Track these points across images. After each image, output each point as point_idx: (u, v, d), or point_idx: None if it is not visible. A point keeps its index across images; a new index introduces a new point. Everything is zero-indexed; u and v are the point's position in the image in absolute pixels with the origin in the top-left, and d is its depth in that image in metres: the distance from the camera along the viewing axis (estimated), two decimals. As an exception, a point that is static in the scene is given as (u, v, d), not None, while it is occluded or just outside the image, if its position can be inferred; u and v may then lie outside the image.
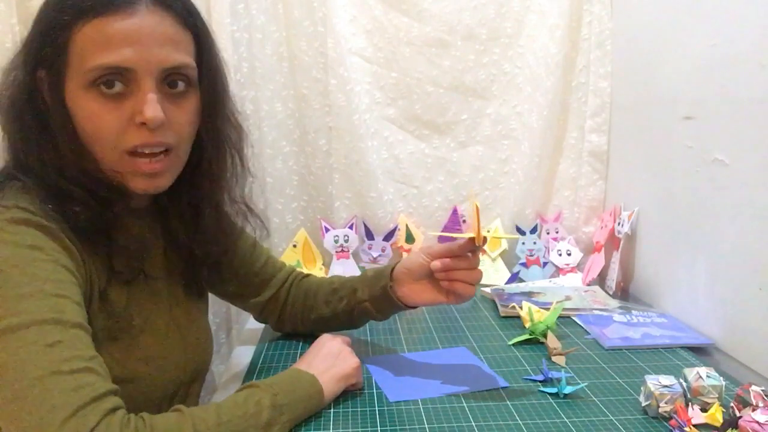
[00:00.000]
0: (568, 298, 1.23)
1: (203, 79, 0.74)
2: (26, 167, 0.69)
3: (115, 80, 0.66)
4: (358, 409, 0.81)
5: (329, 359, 0.82)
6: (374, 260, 1.45)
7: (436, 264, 0.84)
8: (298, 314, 1.01)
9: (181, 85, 0.71)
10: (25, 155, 0.69)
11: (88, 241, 0.68)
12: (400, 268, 0.90)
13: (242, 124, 0.86)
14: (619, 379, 0.89)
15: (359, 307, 0.94)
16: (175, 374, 0.80)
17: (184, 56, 0.70)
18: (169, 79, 0.69)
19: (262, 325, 1.10)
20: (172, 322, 0.81)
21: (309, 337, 1.05)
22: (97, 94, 0.66)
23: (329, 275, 1.41)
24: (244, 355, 1.02)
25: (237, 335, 1.37)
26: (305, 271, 1.41)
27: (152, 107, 0.67)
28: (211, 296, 0.98)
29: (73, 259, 0.65)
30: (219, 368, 1.27)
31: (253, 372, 0.93)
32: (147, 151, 0.69)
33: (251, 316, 1.07)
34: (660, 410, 0.76)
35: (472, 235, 0.80)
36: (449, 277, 0.84)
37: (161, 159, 0.70)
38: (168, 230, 0.83)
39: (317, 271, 1.43)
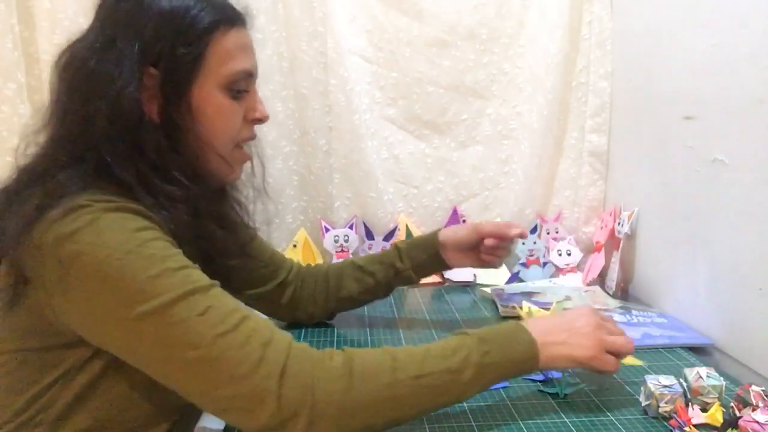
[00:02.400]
0: (568, 298, 1.23)
1: None
2: (115, 169, 0.66)
3: (244, 82, 0.75)
4: (358, 409, 0.81)
5: (563, 331, 0.76)
6: (374, 260, 1.45)
7: (491, 242, 1.02)
8: (317, 297, 1.05)
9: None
10: (125, 158, 0.67)
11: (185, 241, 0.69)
12: (448, 237, 1.04)
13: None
14: (619, 379, 0.89)
15: (400, 276, 1.05)
16: None
17: None
18: None
19: None
20: None
21: (308, 332, 1.06)
22: (228, 93, 0.73)
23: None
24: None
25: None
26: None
27: (264, 107, 0.80)
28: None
29: (169, 233, 0.67)
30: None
31: None
32: (245, 145, 0.80)
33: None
34: (660, 410, 0.77)
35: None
36: (492, 253, 1.05)
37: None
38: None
39: (317, 271, 1.43)
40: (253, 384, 0.60)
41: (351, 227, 1.44)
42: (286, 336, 0.65)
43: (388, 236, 1.46)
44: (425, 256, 1.05)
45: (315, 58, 1.37)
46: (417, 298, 1.29)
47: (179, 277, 0.62)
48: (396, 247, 1.07)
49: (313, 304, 1.06)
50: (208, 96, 0.72)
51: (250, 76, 0.76)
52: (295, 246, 1.43)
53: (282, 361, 0.61)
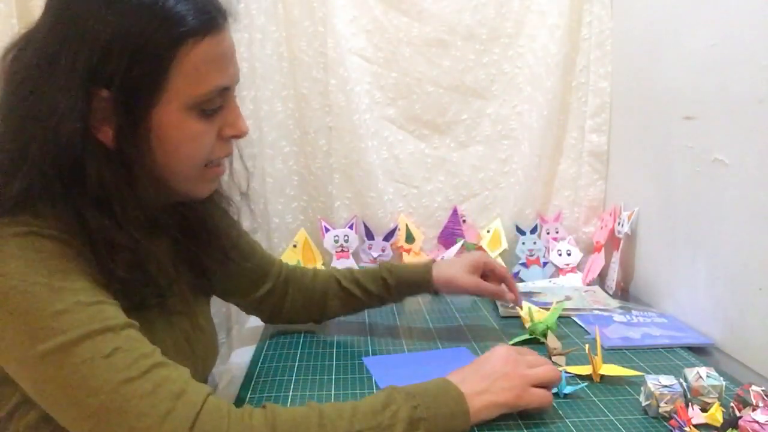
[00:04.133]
0: (568, 298, 1.23)
1: None
2: (53, 204, 0.60)
3: (218, 99, 0.66)
4: (358, 409, 0.81)
5: (483, 379, 0.73)
6: (374, 260, 1.45)
7: (511, 296, 1.05)
8: (300, 308, 1.03)
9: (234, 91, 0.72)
10: (70, 194, 0.60)
11: (117, 282, 0.63)
12: (443, 280, 1.01)
13: None
14: (619, 379, 0.88)
15: (384, 303, 1.04)
16: None
17: None
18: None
19: (262, 325, 1.10)
20: (181, 335, 0.77)
21: (308, 336, 1.06)
22: (199, 113, 0.64)
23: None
24: (243, 356, 1.02)
25: (237, 335, 1.37)
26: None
27: (245, 121, 0.70)
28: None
29: (90, 265, 0.60)
30: (219, 368, 1.27)
31: (253, 372, 0.92)
32: (220, 161, 0.71)
33: (250, 316, 1.07)
34: (660, 410, 0.76)
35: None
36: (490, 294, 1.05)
37: (224, 164, 0.74)
38: (183, 235, 0.79)
39: (317, 271, 1.43)
40: None
41: (351, 227, 1.44)
42: (203, 389, 0.58)
43: (388, 236, 1.46)
44: (416, 292, 1.05)
45: (315, 58, 1.37)
46: (417, 297, 1.28)
47: (89, 312, 0.56)
48: (385, 282, 1.01)
49: (295, 314, 1.04)
50: (173, 119, 0.62)
51: (225, 90, 0.66)
52: (295, 246, 1.43)
53: (192, 416, 0.55)
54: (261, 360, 0.97)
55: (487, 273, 1.04)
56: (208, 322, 0.87)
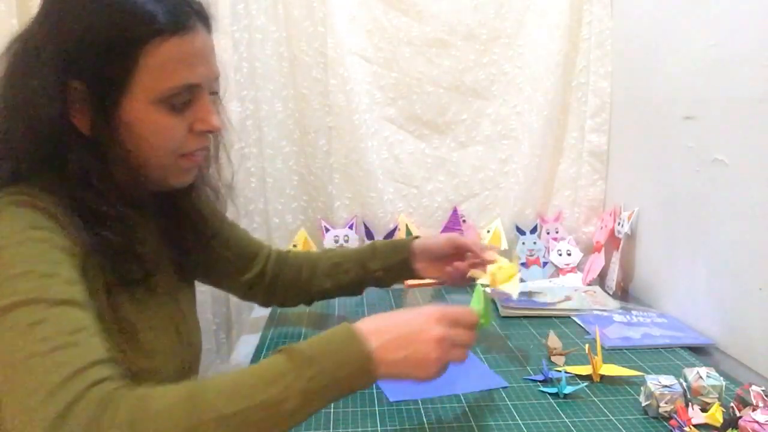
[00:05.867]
0: (568, 298, 1.23)
1: None
2: (49, 187, 0.66)
3: (185, 95, 0.69)
4: (358, 409, 0.81)
5: (402, 347, 0.61)
6: (374, 260, 1.45)
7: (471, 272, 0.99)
8: (291, 288, 1.04)
9: (216, 90, 0.76)
10: (54, 175, 0.66)
11: (105, 253, 0.67)
12: (421, 247, 1.02)
13: (228, 123, 0.88)
14: (619, 379, 0.88)
15: (371, 276, 1.03)
16: (174, 367, 0.79)
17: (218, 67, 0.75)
18: (211, 87, 0.74)
19: (263, 324, 1.10)
20: (167, 315, 0.80)
21: (311, 326, 1.06)
22: (166, 108, 0.68)
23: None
24: (243, 354, 1.02)
25: (237, 335, 1.37)
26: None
27: (216, 117, 0.73)
28: (211, 297, 0.98)
29: (70, 240, 0.63)
30: (219, 368, 1.27)
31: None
32: (197, 153, 0.74)
33: (250, 314, 1.08)
34: (660, 410, 0.77)
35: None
36: (462, 272, 1.00)
37: (202, 155, 0.77)
38: (169, 221, 0.83)
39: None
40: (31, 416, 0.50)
41: (351, 227, 1.44)
42: (105, 373, 0.54)
43: (388, 236, 1.46)
44: (397, 260, 1.04)
45: (315, 58, 1.37)
46: (417, 297, 1.29)
47: (38, 282, 0.57)
48: (373, 245, 1.06)
49: (284, 294, 1.06)
50: (140, 112, 0.67)
51: (194, 88, 0.70)
52: (295, 246, 1.43)
53: (71, 397, 0.51)
54: (264, 352, 0.96)
55: (464, 253, 1.03)
56: (191, 310, 0.89)
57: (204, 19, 0.71)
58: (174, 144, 0.71)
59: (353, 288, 1.07)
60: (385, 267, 1.03)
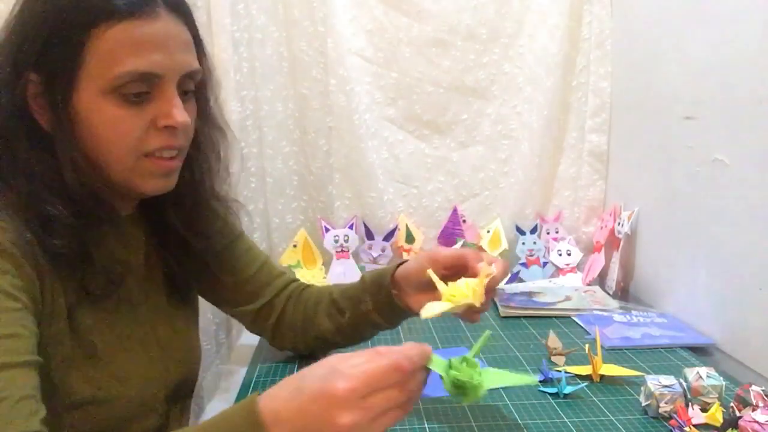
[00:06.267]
0: (568, 298, 1.23)
1: (199, 82, 0.74)
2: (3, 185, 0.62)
3: (138, 85, 0.64)
4: (358, 409, 0.80)
5: (308, 416, 0.51)
6: (374, 260, 1.45)
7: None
8: (299, 328, 0.91)
9: (191, 88, 0.71)
10: (7, 172, 0.63)
11: (63, 265, 0.63)
12: (403, 274, 0.83)
13: (227, 126, 0.82)
14: (619, 379, 0.88)
15: (366, 318, 0.86)
16: (156, 391, 0.74)
17: (196, 61, 0.70)
18: (182, 83, 0.69)
19: (255, 344, 1.05)
20: (152, 337, 0.76)
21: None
22: (118, 99, 0.64)
23: (329, 275, 1.41)
24: (243, 354, 1.02)
25: (237, 335, 1.37)
26: (305, 271, 1.42)
27: (181, 112, 0.67)
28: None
29: (22, 279, 0.59)
30: (219, 368, 1.27)
31: (248, 386, 0.90)
32: (166, 154, 0.68)
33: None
34: (660, 410, 0.76)
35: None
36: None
37: (176, 158, 0.70)
38: (159, 231, 0.79)
39: (317, 271, 1.43)
40: None
41: (351, 227, 1.44)
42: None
43: (388, 236, 1.46)
44: (382, 294, 0.84)
45: (315, 58, 1.37)
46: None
47: None
48: (362, 278, 0.88)
49: (294, 340, 0.93)
50: (92, 103, 0.63)
51: (151, 78, 0.64)
52: (295, 246, 1.43)
53: None
54: (256, 374, 0.94)
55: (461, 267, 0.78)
56: (189, 326, 0.85)
57: (173, 5, 0.66)
58: (131, 140, 0.65)
59: (352, 332, 0.90)
60: (375, 306, 0.85)
